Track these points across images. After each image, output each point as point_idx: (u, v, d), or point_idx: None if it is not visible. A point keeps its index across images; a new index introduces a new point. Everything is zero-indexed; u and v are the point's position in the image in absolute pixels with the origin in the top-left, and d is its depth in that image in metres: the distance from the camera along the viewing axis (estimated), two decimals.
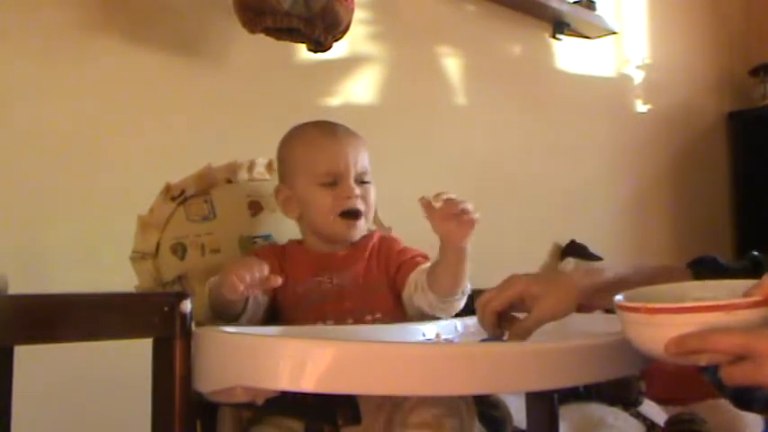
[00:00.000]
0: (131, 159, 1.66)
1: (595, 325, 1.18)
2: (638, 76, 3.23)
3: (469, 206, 1.07)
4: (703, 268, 1.07)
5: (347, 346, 0.89)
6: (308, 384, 0.82)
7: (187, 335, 0.95)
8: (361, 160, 1.22)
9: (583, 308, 1.01)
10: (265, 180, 1.37)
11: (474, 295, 1.19)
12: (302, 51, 1.84)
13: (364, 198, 1.21)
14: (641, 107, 3.24)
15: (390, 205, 1.39)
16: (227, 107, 1.84)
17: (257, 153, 1.38)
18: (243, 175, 1.35)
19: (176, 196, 1.27)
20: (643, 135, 3.19)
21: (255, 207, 1.32)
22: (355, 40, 2.09)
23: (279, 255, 1.22)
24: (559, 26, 2.76)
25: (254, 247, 1.28)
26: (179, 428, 0.92)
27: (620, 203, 3.06)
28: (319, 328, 1.12)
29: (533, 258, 2.67)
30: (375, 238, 1.26)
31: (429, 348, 0.91)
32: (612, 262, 2.74)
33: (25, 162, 1.52)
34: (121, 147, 1.65)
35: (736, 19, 3.79)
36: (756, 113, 3.49)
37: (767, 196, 3.41)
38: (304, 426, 0.95)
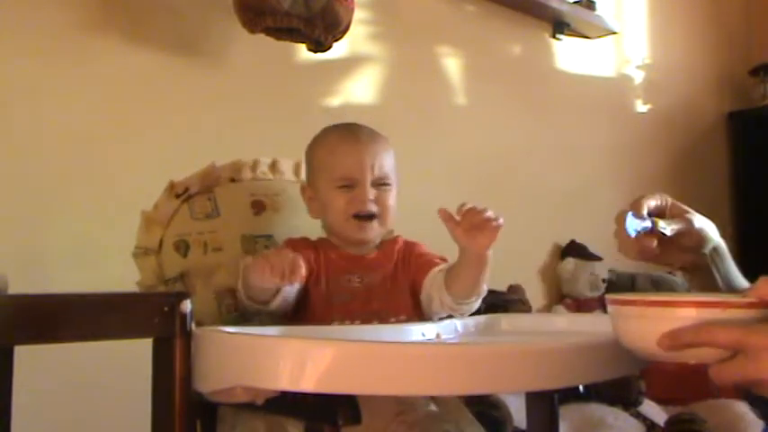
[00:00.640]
0: (131, 159, 1.66)
1: (595, 325, 1.18)
2: (638, 76, 3.23)
3: (491, 213, 1.08)
4: None
5: (347, 346, 0.88)
6: (308, 384, 0.82)
7: (187, 335, 0.95)
8: (381, 164, 1.24)
9: None
10: (269, 179, 1.37)
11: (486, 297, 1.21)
12: (302, 51, 1.84)
13: (380, 201, 1.23)
14: (641, 107, 3.24)
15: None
16: (228, 107, 1.84)
17: (257, 153, 1.39)
18: (247, 174, 1.35)
19: (180, 194, 1.27)
20: (643, 135, 3.19)
21: (258, 206, 1.32)
22: (355, 40, 2.09)
23: (312, 248, 1.24)
24: (559, 26, 2.76)
25: (256, 244, 1.29)
26: (179, 428, 0.92)
27: (620, 203, 3.04)
28: (320, 327, 1.12)
29: (533, 258, 2.67)
30: (400, 243, 1.29)
31: (429, 348, 0.91)
32: (612, 262, 2.74)
33: (25, 162, 1.52)
34: (121, 147, 1.65)
35: (736, 19, 3.79)
36: (756, 113, 3.49)
37: (767, 196, 3.41)
38: (304, 426, 0.95)
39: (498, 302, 2.02)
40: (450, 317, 1.21)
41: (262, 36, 1.70)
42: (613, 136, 3.05)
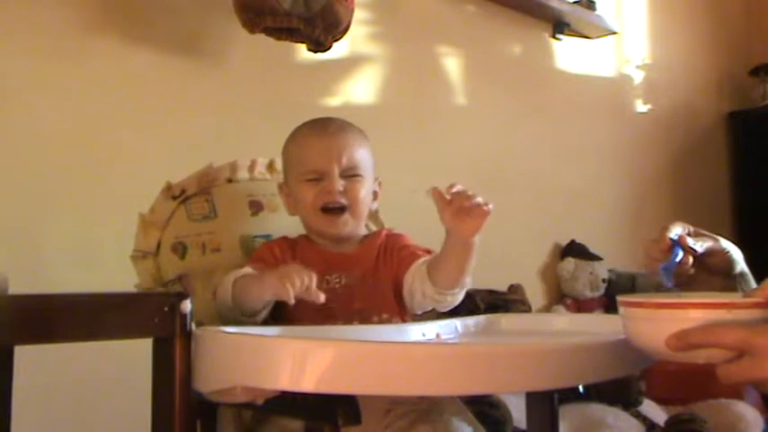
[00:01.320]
0: (131, 159, 1.66)
1: (595, 325, 1.18)
2: (638, 76, 3.23)
3: (480, 199, 1.07)
4: None
5: (347, 346, 0.89)
6: (308, 384, 0.82)
7: (187, 335, 0.95)
8: (350, 155, 1.21)
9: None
10: (266, 180, 1.37)
11: (472, 294, 1.19)
12: (302, 51, 1.84)
13: (350, 193, 1.21)
14: (641, 107, 3.24)
15: (389, 205, 1.39)
16: (227, 107, 1.84)
17: (257, 153, 1.39)
18: (244, 174, 1.35)
19: (177, 195, 1.27)
20: (643, 135, 3.19)
21: (256, 206, 1.32)
22: (355, 40, 2.09)
23: (292, 249, 1.23)
24: (559, 26, 2.76)
25: (255, 244, 1.28)
26: (179, 428, 0.92)
27: (620, 203, 3.06)
28: (319, 327, 1.12)
29: (533, 258, 2.67)
30: (383, 237, 1.26)
31: (429, 348, 0.91)
32: (612, 262, 2.74)
33: (25, 162, 1.52)
34: (121, 146, 1.65)
35: (736, 19, 3.79)
36: (756, 113, 3.49)
37: (767, 196, 3.41)
38: (304, 426, 0.95)
39: (498, 302, 2.02)
40: (437, 312, 1.20)
41: (262, 36, 1.70)
42: (613, 136, 3.05)
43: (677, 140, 3.39)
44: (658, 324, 0.78)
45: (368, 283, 1.21)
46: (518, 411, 1.54)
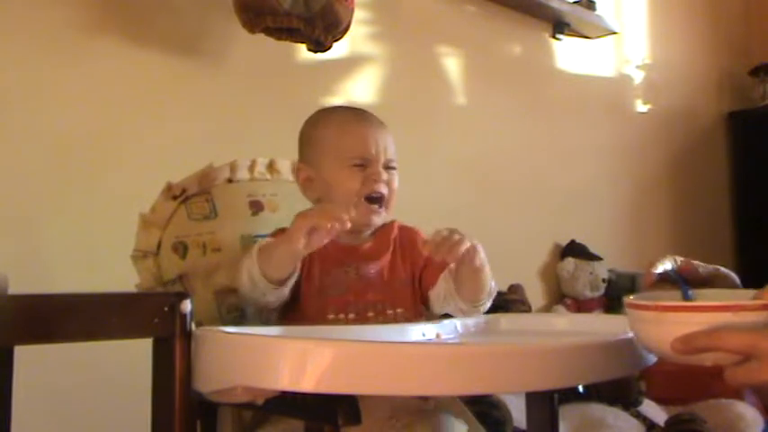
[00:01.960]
0: (131, 159, 1.66)
1: (595, 325, 1.18)
2: (638, 76, 3.23)
3: (456, 236, 1.07)
4: None
5: (347, 346, 0.88)
6: (308, 384, 0.82)
7: (187, 335, 0.95)
8: (390, 146, 1.22)
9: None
10: (266, 180, 1.37)
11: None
12: (302, 51, 1.84)
13: (389, 184, 1.20)
14: (641, 107, 3.24)
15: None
16: (227, 107, 1.84)
17: (257, 153, 1.38)
18: (244, 174, 1.35)
19: (178, 195, 1.27)
20: (643, 135, 3.20)
21: (256, 206, 1.32)
22: (355, 40, 2.09)
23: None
24: (559, 26, 2.76)
25: (255, 245, 1.28)
26: (179, 428, 0.92)
27: (620, 203, 3.06)
28: (320, 327, 1.12)
29: (533, 258, 2.67)
30: (395, 229, 1.25)
31: (429, 348, 0.91)
32: (612, 262, 2.74)
33: (25, 162, 1.52)
34: (121, 147, 1.65)
35: (736, 19, 3.79)
36: (756, 113, 3.49)
37: (767, 196, 3.41)
38: (304, 426, 0.95)
39: (498, 302, 2.02)
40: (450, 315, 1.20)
41: (262, 36, 1.70)
42: (613, 136, 3.06)
43: (677, 140, 3.39)
44: (664, 327, 0.78)
45: (384, 276, 1.20)
46: (518, 411, 1.54)
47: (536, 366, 0.85)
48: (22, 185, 1.51)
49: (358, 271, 1.19)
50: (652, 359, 0.98)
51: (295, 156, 1.34)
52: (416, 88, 2.32)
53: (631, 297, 0.84)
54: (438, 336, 1.13)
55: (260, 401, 0.92)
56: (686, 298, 0.89)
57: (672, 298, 0.88)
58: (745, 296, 0.81)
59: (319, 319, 1.15)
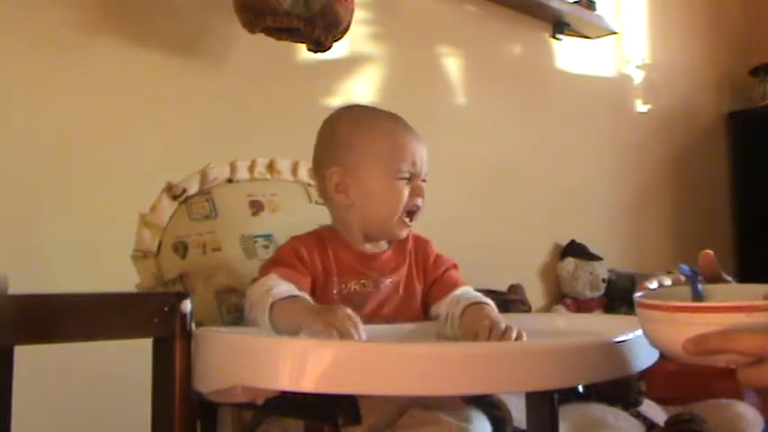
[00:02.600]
0: (131, 159, 1.66)
1: (595, 325, 1.18)
2: (638, 76, 3.23)
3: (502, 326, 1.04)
4: None
5: (347, 346, 0.89)
6: (308, 384, 0.82)
7: (187, 335, 0.95)
8: (426, 158, 1.20)
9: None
10: (266, 180, 1.37)
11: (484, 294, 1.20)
12: (302, 51, 1.84)
13: (424, 196, 1.19)
14: (641, 107, 3.25)
15: None
16: (227, 107, 1.84)
17: (257, 153, 1.38)
18: (244, 174, 1.35)
19: (178, 195, 1.27)
20: (643, 135, 3.20)
21: (256, 206, 1.32)
22: (355, 40, 2.09)
23: (320, 248, 1.17)
24: (559, 26, 2.76)
25: (256, 244, 1.28)
26: (179, 428, 0.92)
27: (620, 203, 3.06)
28: None
29: (533, 258, 2.68)
30: (410, 239, 1.24)
31: (429, 348, 0.91)
32: (612, 262, 2.74)
33: (25, 162, 1.52)
34: (121, 146, 1.65)
35: (736, 19, 3.79)
36: (756, 113, 3.50)
37: (767, 196, 3.41)
38: (304, 426, 0.95)
39: (498, 302, 2.02)
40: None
41: (262, 36, 1.70)
42: (613, 136, 3.06)
43: (677, 140, 3.39)
44: (676, 327, 0.77)
45: (399, 290, 1.19)
46: (518, 411, 1.54)
47: (536, 366, 0.85)
48: (22, 185, 1.51)
49: (376, 284, 1.17)
50: (652, 359, 0.98)
51: (295, 155, 1.34)
52: (416, 88, 2.32)
53: (642, 295, 0.83)
54: (438, 336, 1.13)
55: (260, 401, 0.92)
56: (697, 296, 0.89)
57: (682, 296, 0.87)
58: (757, 292, 0.81)
59: None
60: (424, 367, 0.82)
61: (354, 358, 0.83)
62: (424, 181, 1.19)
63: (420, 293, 1.21)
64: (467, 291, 1.20)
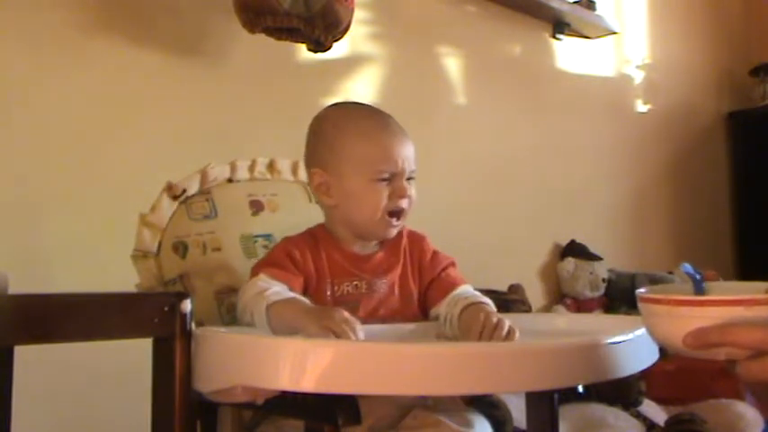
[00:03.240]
0: (131, 159, 1.66)
1: (595, 325, 1.18)
2: (638, 76, 3.23)
3: (494, 319, 1.04)
4: None
5: (347, 346, 0.89)
6: (308, 384, 0.82)
7: (187, 335, 0.95)
8: (412, 156, 1.18)
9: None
10: (266, 180, 1.37)
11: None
12: (302, 51, 1.84)
13: (410, 197, 1.16)
14: (641, 107, 3.25)
15: None
16: (227, 107, 1.84)
17: (257, 153, 1.38)
18: (244, 174, 1.35)
19: (178, 195, 1.27)
20: (643, 135, 3.20)
21: (256, 206, 1.32)
22: (355, 40, 2.09)
23: (313, 249, 1.16)
24: (559, 26, 2.76)
25: (256, 243, 1.28)
26: (179, 428, 0.92)
27: (620, 203, 3.06)
28: None
29: (533, 258, 2.68)
30: (405, 236, 1.22)
31: (429, 348, 0.91)
32: (612, 262, 2.74)
33: (25, 162, 1.52)
34: (121, 147, 1.65)
35: (736, 19, 3.79)
36: (756, 113, 3.50)
37: (767, 196, 3.41)
38: (304, 426, 0.95)
39: (498, 302, 2.02)
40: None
41: (262, 36, 1.70)
42: (613, 136, 3.06)
43: (677, 140, 3.39)
44: (677, 321, 0.77)
45: (395, 291, 1.17)
46: (518, 411, 1.54)
47: (536, 366, 0.85)
48: (23, 185, 1.51)
49: (370, 285, 1.16)
50: (652, 359, 0.98)
51: (295, 155, 1.34)
52: (416, 88, 2.32)
53: (643, 290, 0.84)
54: (438, 336, 1.13)
55: (260, 401, 0.92)
56: (698, 292, 0.89)
57: (684, 291, 0.87)
58: (758, 289, 0.81)
59: None
60: (424, 367, 0.82)
61: (354, 358, 0.83)
62: (411, 179, 1.17)
63: (416, 294, 1.19)
64: (465, 290, 1.19)
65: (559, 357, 0.87)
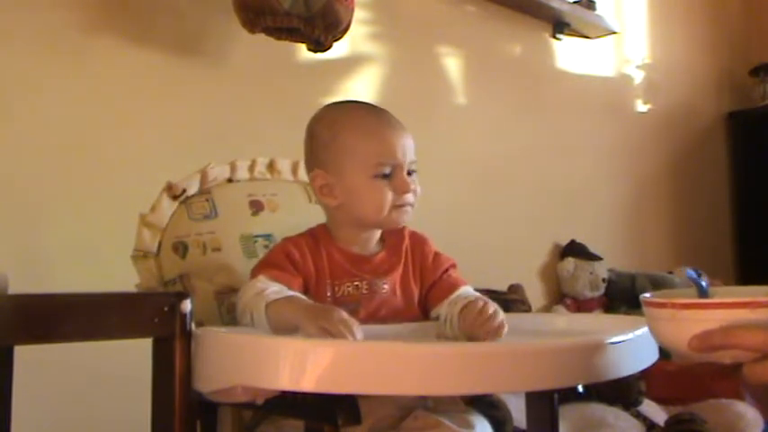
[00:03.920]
0: (131, 159, 1.66)
1: (595, 325, 1.18)
2: (638, 76, 3.23)
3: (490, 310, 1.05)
4: None
5: (347, 346, 0.89)
6: (308, 384, 0.82)
7: (187, 335, 0.95)
8: (411, 148, 1.16)
9: None
10: (266, 180, 1.37)
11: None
12: (302, 51, 1.84)
13: (414, 190, 1.15)
14: (641, 107, 3.25)
15: None
16: (227, 107, 1.84)
17: (257, 153, 1.38)
18: (244, 174, 1.35)
19: (178, 195, 1.27)
20: (643, 135, 3.20)
21: (256, 206, 1.32)
22: (355, 40, 2.09)
23: (313, 249, 1.15)
24: (559, 26, 2.76)
25: (256, 243, 1.28)
26: (179, 428, 0.92)
27: (620, 203, 3.06)
28: None
29: (533, 258, 2.68)
30: (407, 237, 1.21)
31: (429, 348, 0.91)
32: (612, 262, 2.74)
33: (25, 162, 1.52)
34: (121, 147, 1.65)
35: (736, 19, 3.79)
36: (756, 113, 3.50)
37: (767, 196, 3.41)
38: (304, 426, 0.95)
39: (498, 302, 2.02)
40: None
41: (262, 36, 1.70)
42: (613, 136, 3.06)
43: (677, 140, 3.39)
44: (681, 324, 0.78)
45: (396, 292, 1.16)
46: (518, 411, 1.54)
47: (536, 366, 0.85)
48: (23, 185, 1.52)
49: (370, 286, 1.15)
50: (652, 359, 0.98)
51: (295, 155, 1.34)
52: (416, 88, 2.32)
53: (648, 295, 0.84)
54: (438, 336, 1.13)
55: (260, 401, 0.92)
56: (702, 295, 0.89)
57: (688, 295, 0.88)
58: (762, 292, 0.81)
59: None
60: (424, 367, 0.82)
61: (354, 358, 0.83)
62: (412, 172, 1.16)
63: (416, 296, 1.19)
64: (466, 291, 1.19)
65: (559, 357, 0.87)
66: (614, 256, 2.79)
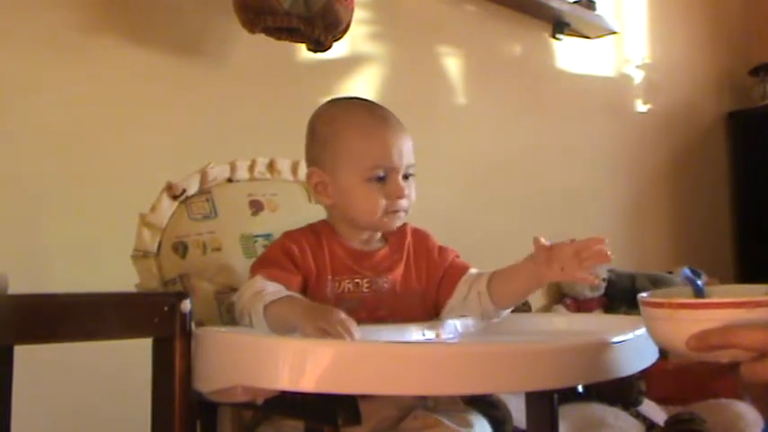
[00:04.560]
0: (131, 159, 1.66)
1: (595, 325, 1.18)
2: (638, 76, 3.23)
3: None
4: None
5: (347, 346, 0.89)
6: (308, 384, 0.82)
7: (187, 335, 0.95)
8: (409, 151, 1.15)
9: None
10: (266, 180, 1.37)
11: None
12: (302, 51, 1.84)
13: (409, 195, 1.14)
14: (641, 107, 3.25)
15: None
16: (227, 107, 1.84)
17: (257, 153, 1.38)
18: (244, 174, 1.35)
19: (178, 195, 1.27)
20: (643, 135, 3.20)
21: (256, 206, 1.32)
22: (355, 40, 2.09)
23: (314, 244, 1.14)
24: (559, 26, 2.76)
25: (256, 243, 1.28)
26: (179, 428, 0.92)
27: (619, 203, 3.06)
28: None
29: None
30: (409, 234, 1.20)
31: (429, 348, 0.91)
32: (612, 262, 2.74)
33: (25, 162, 1.52)
34: (121, 147, 1.65)
35: (736, 19, 3.79)
36: (756, 113, 3.50)
37: (767, 196, 3.41)
38: (304, 426, 0.95)
39: None
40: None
41: (262, 36, 1.70)
42: (613, 136, 3.06)
43: (677, 140, 3.39)
44: (678, 324, 0.78)
45: (396, 289, 1.16)
46: (518, 411, 1.54)
47: (536, 366, 0.85)
48: (23, 185, 1.52)
49: (371, 284, 1.14)
50: (652, 359, 0.98)
51: (295, 155, 1.34)
52: (416, 88, 2.32)
53: (645, 295, 0.84)
54: (438, 336, 1.12)
55: (260, 401, 0.92)
56: (699, 295, 0.89)
57: (685, 295, 0.88)
58: (759, 291, 0.81)
59: None
60: (424, 367, 0.82)
61: (354, 358, 0.83)
62: (409, 176, 1.15)
63: (421, 290, 1.18)
64: (478, 271, 1.19)
65: (559, 357, 0.87)
66: (614, 256, 2.79)
